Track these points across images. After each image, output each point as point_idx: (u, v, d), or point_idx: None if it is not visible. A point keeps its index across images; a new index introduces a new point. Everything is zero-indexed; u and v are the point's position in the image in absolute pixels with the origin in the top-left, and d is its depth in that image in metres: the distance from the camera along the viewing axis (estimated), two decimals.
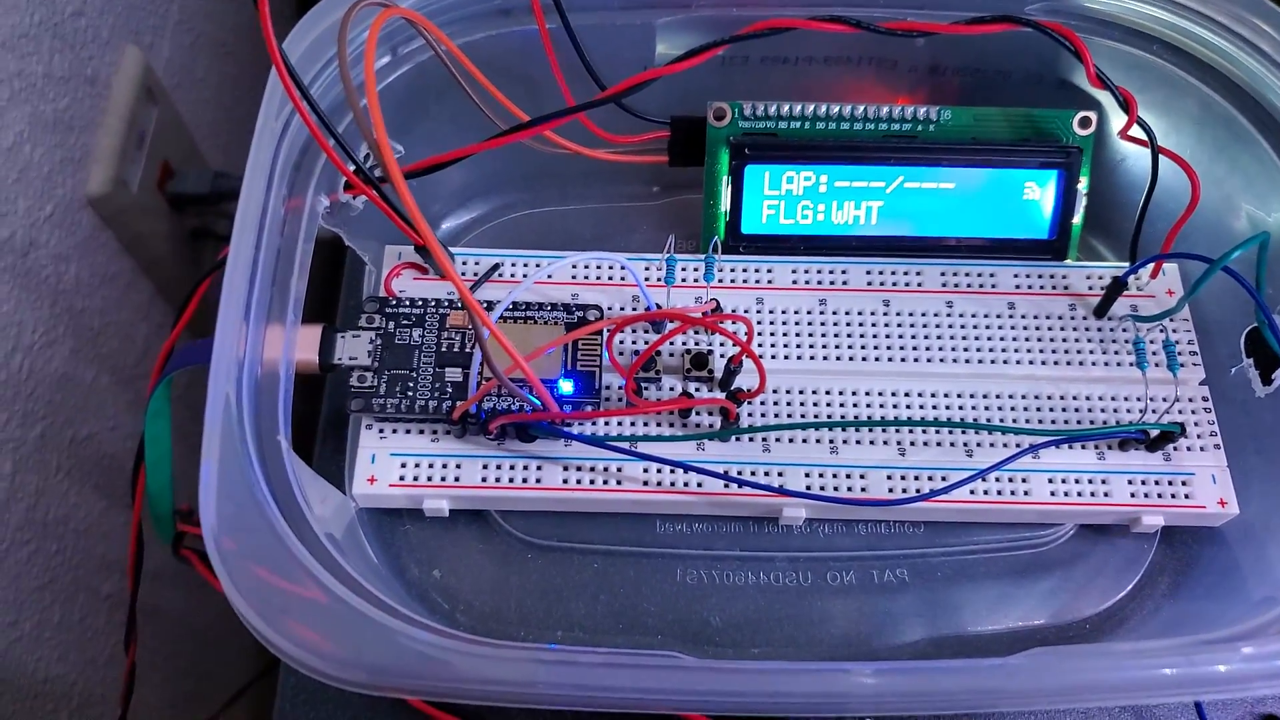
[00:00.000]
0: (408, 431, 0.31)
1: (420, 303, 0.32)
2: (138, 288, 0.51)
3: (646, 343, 0.32)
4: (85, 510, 0.46)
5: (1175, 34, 0.31)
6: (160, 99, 0.50)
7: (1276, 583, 0.27)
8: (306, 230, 0.29)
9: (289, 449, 0.26)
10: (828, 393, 0.32)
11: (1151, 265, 0.33)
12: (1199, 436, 0.31)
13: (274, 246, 0.28)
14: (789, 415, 0.31)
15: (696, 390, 0.31)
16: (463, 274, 0.33)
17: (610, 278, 0.33)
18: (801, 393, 0.32)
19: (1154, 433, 0.30)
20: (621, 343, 0.32)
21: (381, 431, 0.31)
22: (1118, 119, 0.32)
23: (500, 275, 0.33)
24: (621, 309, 0.33)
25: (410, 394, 0.30)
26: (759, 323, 0.33)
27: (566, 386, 0.30)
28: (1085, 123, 0.32)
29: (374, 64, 0.23)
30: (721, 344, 0.32)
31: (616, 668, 0.23)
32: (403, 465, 0.30)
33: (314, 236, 0.29)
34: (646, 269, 0.33)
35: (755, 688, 0.22)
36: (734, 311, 0.33)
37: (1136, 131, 0.31)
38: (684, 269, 0.33)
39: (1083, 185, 0.33)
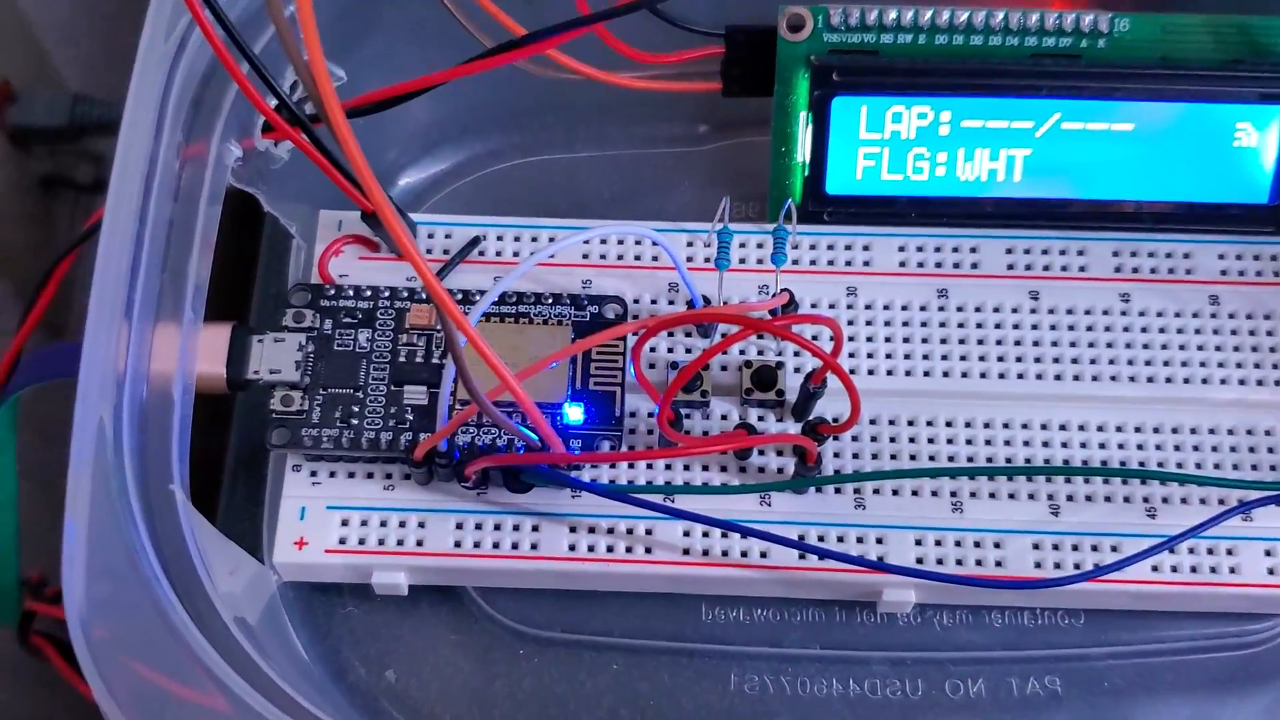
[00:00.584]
0: (351, 475, 0.32)
1: (369, 293, 0.33)
2: None
3: (689, 352, 0.33)
4: None
5: None
6: None
7: None
8: (210, 190, 0.30)
9: (185, 501, 0.27)
10: (948, 424, 0.33)
11: None
12: None
13: (165, 214, 0.29)
14: (892, 458, 0.32)
15: (760, 421, 0.32)
16: (428, 251, 0.34)
17: (638, 258, 0.34)
18: (911, 424, 0.33)
19: None
20: (653, 352, 0.33)
21: (315, 475, 0.32)
22: None
23: (481, 253, 0.34)
24: (653, 303, 0.34)
25: (355, 422, 0.31)
26: (850, 324, 0.34)
27: (575, 414, 0.32)
28: None
29: None
30: (796, 354, 0.33)
31: None
32: (344, 523, 0.31)
33: (220, 199, 0.31)
34: (689, 245, 0.34)
35: None
36: (814, 309, 0.34)
37: None
38: (743, 246, 0.34)
39: None
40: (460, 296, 0.33)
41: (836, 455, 0.32)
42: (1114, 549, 0.31)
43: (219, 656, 0.25)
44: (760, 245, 0.34)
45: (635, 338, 0.32)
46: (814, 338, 0.32)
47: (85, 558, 0.26)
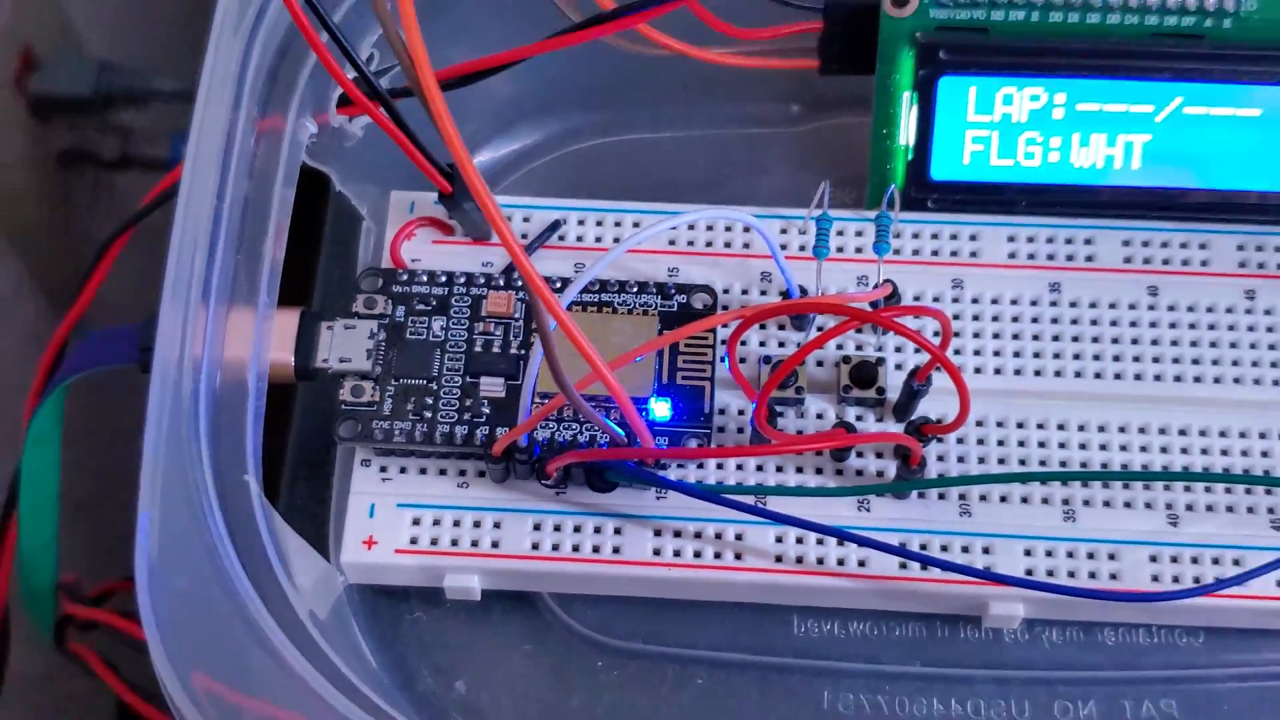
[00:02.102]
0: (423, 471, 0.33)
1: (443, 278, 0.34)
2: None
3: (782, 345, 0.34)
4: None
5: None
6: None
7: None
8: (286, 169, 0.31)
9: (260, 493, 0.29)
10: (1060, 428, 0.34)
11: None
12: None
13: (239, 193, 0.30)
14: (1000, 461, 0.33)
15: (859, 420, 0.34)
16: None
17: (728, 245, 0.35)
18: (1021, 427, 0.34)
19: None
20: (746, 345, 0.34)
21: (385, 470, 0.33)
22: None
23: (561, 238, 0.35)
24: (744, 293, 0.35)
25: (428, 415, 0.32)
26: (957, 318, 0.35)
27: (661, 410, 0.33)
28: None
29: None
30: (898, 350, 0.34)
31: None
32: (415, 522, 0.33)
33: (295, 178, 0.32)
34: (784, 232, 0.35)
35: None
36: (919, 302, 0.35)
37: None
38: (841, 234, 0.35)
39: None
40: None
41: (941, 458, 0.33)
42: (1236, 562, 0.32)
43: (302, 657, 0.27)
44: (860, 233, 0.36)
45: (728, 329, 0.33)
46: (918, 332, 0.33)
47: (159, 556, 0.27)
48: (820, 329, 0.34)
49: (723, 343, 0.33)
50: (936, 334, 0.32)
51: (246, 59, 0.31)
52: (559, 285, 0.33)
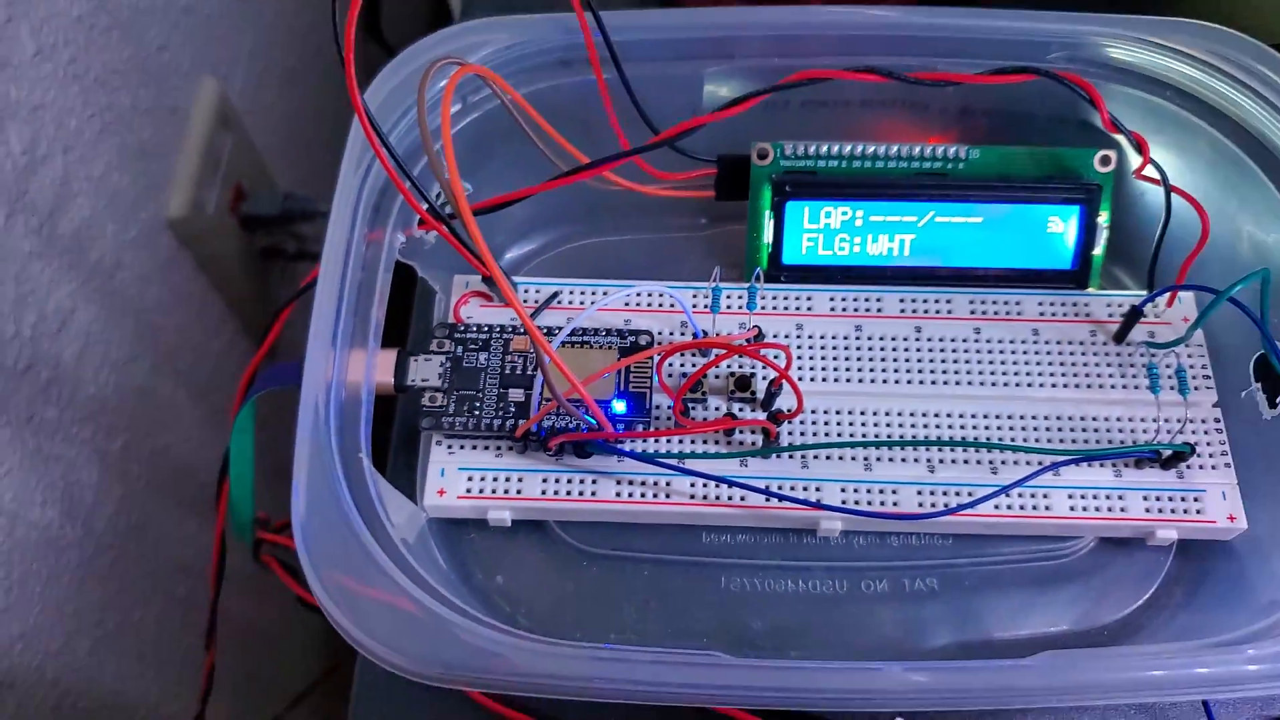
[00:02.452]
0: (474, 448, 0.32)
1: (486, 329, 0.33)
2: (211, 305, 0.54)
3: (694, 366, 0.33)
4: (162, 517, 0.49)
5: (1187, 81, 0.33)
6: (234, 125, 0.52)
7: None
8: (385, 263, 0.30)
9: (370, 466, 0.28)
10: (862, 413, 0.33)
11: (1168, 294, 0.34)
12: (1210, 456, 0.32)
13: (356, 278, 0.29)
14: (826, 434, 0.33)
15: (740, 411, 0.33)
16: (524, 301, 0.35)
17: (661, 305, 0.35)
18: (838, 413, 0.33)
19: (1166, 452, 0.31)
20: (670, 366, 0.34)
21: (450, 448, 0.32)
22: (1136, 158, 0.33)
23: (559, 302, 0.35)
24: (671, 334, 0.34)
25: (477, 413, 0.32)
26: (799, 347, 0.34)
27: (620, 406, 0.32)
28: (1105, 161, 0.34)
29: (450, 116, 0.25)
30: (764, 367, 0.33)
31: (663, 665, 0.25)
32: (469, 479, 0.32)
33: (392, 268, 0.31)
34: (695, 296, 0.35)
35: (789, 684, 0.24)
36: (775, 337, 0.34)
37: (1150, 171, 0.32)
38: (729, 297, 0.35)
39: (1104, 219, 0.34)
40: (545, 330, 0.33)
41: (789, 434, 0.33)
42: (970, 495, 0.31)
43: (394, 566, 0.26)
44: (740, 297, 0.35)
45: (659, 358, 0.32)
46: (775, 356, 0.33)
47: (306, 503, 0.27)
48: (714, 355, 0.34)
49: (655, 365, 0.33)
50: (778, 355, 0.31)
51: (359, 197, 0.30)
52: (557, 330, 0.33)
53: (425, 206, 0.30)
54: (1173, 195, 0.33)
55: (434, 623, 0.25)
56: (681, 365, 0.34)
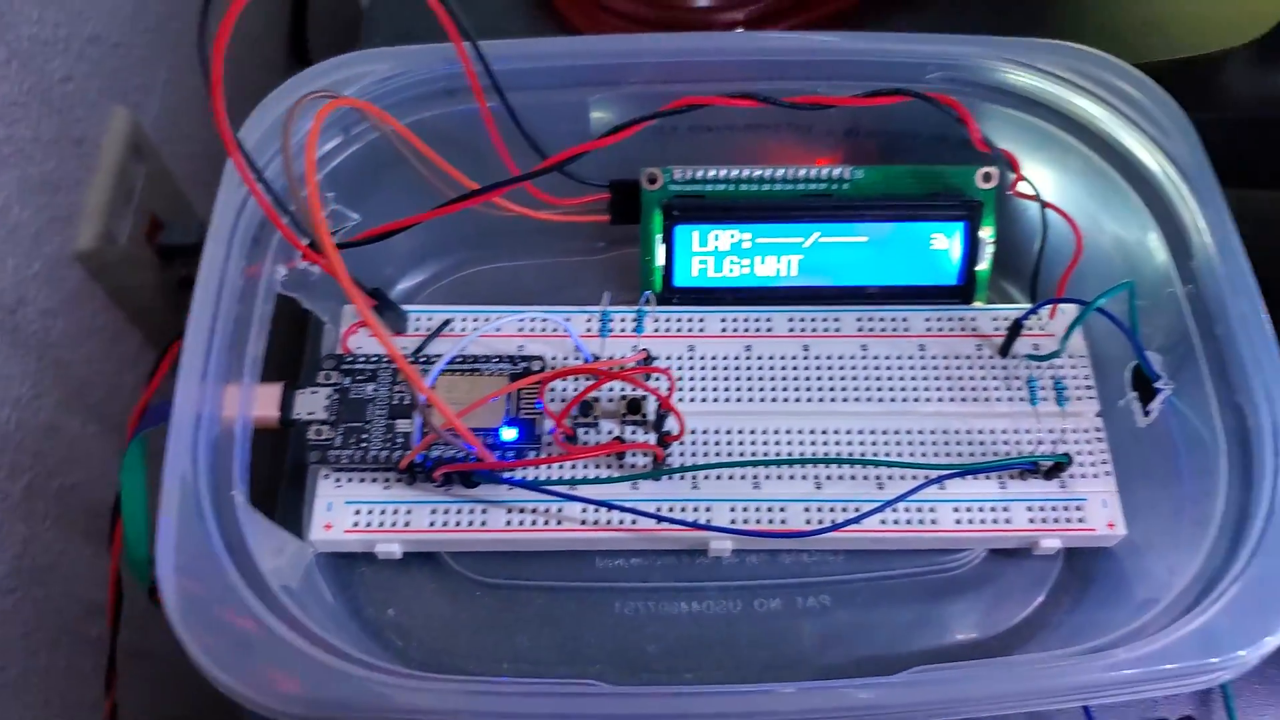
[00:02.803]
0: (362, 480, 0.32)
1: (375, 359, 0.33)
2: (126, 338, 0.53)
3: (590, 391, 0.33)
4: (72, 557, 0.47)
5: (1058, 100, 0.33)
6: (148, 155, 0.51)
7: (1156, 587, 0.29)
8: (264, 295, 0.30)
9: (244, 503, 0.28)
10: (752, 432, 0.33)
11: (1050, 307, 0.34)
12: (1093, 465, 0.32)
13: (231, 313, 0.29)
14: (717, 454, 0.33)
15: (634, 434, 0.33)
16: (416, 329, 0.35)
17: (555, 330, 0.35)
18: (728, 433, 0.33)
19: (1046, 464, 0.32)
20: (565, 390, 0.33)
21: (338, 481, 0.32)
22: None
23: (451, 330, 0.34)
24: (565, 359, 0.34)
25: (364, 445, 0.32)
26: (690, 368, 0.34)
27: (509, 434, 0.32)
28: (987, 178, 0.34)
29: (315, 156, 0.25)
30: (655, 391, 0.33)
31: (535, 696, 0.25)
32: (356, 512, 0.31)
33: (272, 300, 0.31)
34: (589, 321, 0.35)
35: (663, 710, 0.24)
36: (667, 359, 0.34)
37: (1025, 187, 0.33)
38: (621, 320, 0.35)
39: (988, 234, 0.35)
40: (435, 357, 0.33)
41: (681, 455, 0.33)
42: (856, 510, 0.31)
43: (261, 606, 0.25)
44: (632, 320, 0.35)
45: (541, 384, 0.32)
46: (656, 380, 0.33)
47: (174, 544, 0.26)
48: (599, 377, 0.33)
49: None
50: (668, 385, 0.31)
51: (234, 230, 0.30)
52: (429, 359, 0.33)
53: (306, 241, 0.30)
54: (1049, 211, 0.33)
55: (300, 661, 0.25)
56: (576, 389, 0.34)
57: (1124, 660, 0.25)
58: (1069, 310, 0.35)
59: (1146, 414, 0.32)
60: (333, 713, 0.24)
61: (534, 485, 0.31)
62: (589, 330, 0.35)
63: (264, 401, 0.31)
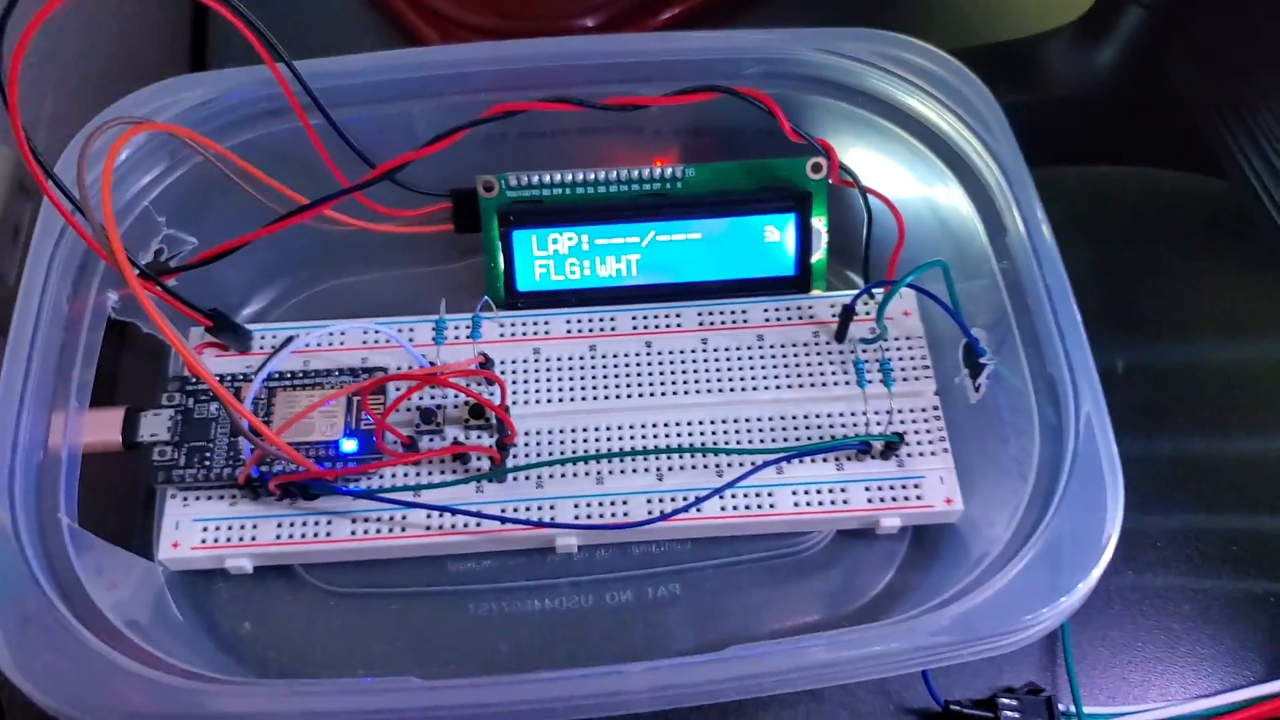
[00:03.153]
0: (209, 498, 0.32)
1: (218, 379, 0.33)
2: None
3: (432, 400, 0.34)
4: None
5: (874, 87, 0.34)
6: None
7: (987, 544, 0.30)
8: (91, 322, 0.30)
9: (71, 525, 0.28)
10: (596, 430, 0.33)
11: (883, 289, 0.35)
12: (930, 443, 0.33)
13: (55, 340, 0.29)
14: (562, 453, 0.33)
15: (479, 438, 0.33)
16: (261, 347, 0.35)
17: (388, 341, 0.35)
18: (574, 431, 0.33)
19: (879, 444, 0.32)
20: (410, 401, 0.34)
21: (185, 500, 0.32)
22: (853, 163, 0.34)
23: (297, 345, 0.34)
24: (410, 368, 0.34)
25: (208, 463, 0.32)
26: (535, 371, 0.34)
27: (349, 445, 0.32)
28: (817, 168, 0.35)
29: (109, 183, 0.26)
30: (497, 394, 0.34)
31: (350, 694, 0.25)
32: (204, 529, 0.32)
33: (101, 328, 0.31)
34: (433, 331, 0.35)
35: (460, 701, 0.24)
36: (513, 363, 0.34)
37: (847, 175, 0.34)
38: (468, 327, 0.35)
39: (821, 224, 0.35)
40: (279, 375, 0.33)
41: (526, 456, 0.33)
42: (697, 499, 0.32)
43: (75, 620, 0.26)
44: (469, 326, 0.35)
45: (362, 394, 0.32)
46: (488, 386, 0.33)
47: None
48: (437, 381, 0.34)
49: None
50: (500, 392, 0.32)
51: (52, 260, 0.30)
52: (286, 375, 0.33)
53: (135, 271, 0.30)
54: (871, 197, 0.34)
55: (126, 681, 0.25)
56: (421, 399, 0.34)
57: (926, 626, 0.26)
58: (907, 294, 0.36)
59: (976, 389, 0.33)
60: None
61: (371, 494, 0.31)
62: (431, 340, 0.35)
63: (103, 425, 0.31)
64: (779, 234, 0.35)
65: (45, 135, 0.53)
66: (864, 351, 0.34)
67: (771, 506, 0.32)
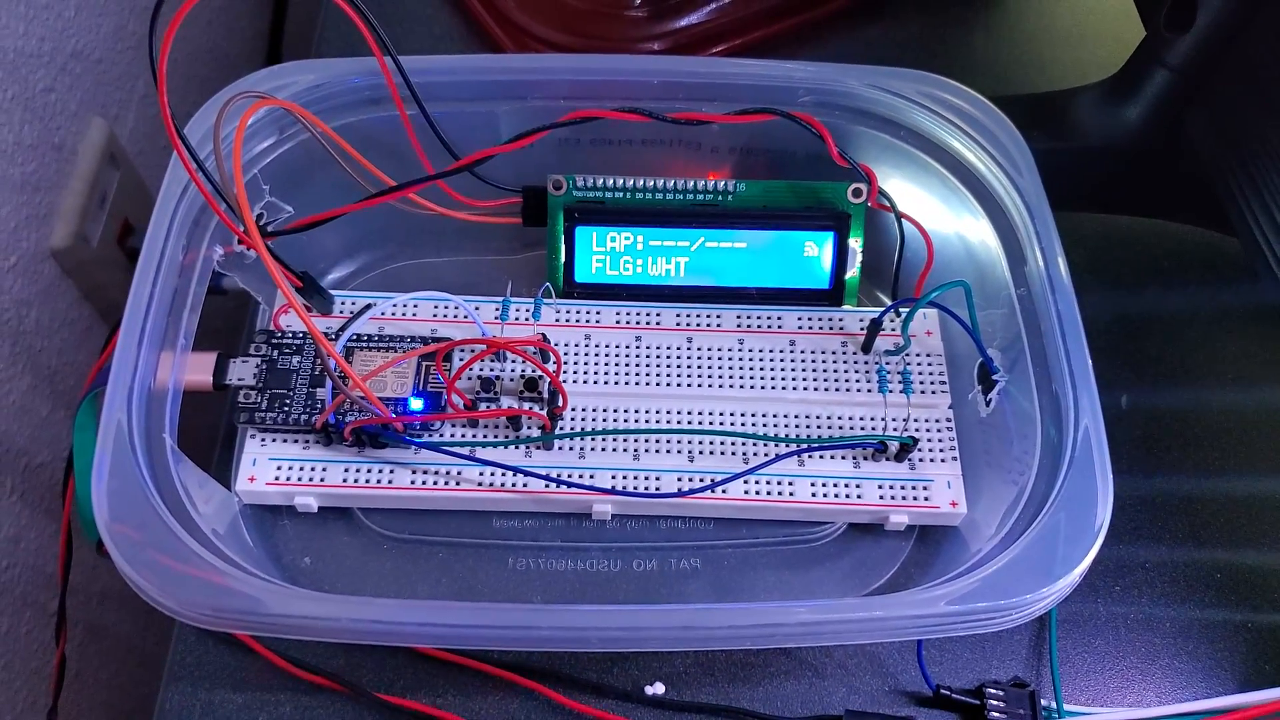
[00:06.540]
0: (284, 440, 0.35)
1: (301, 335, 0.36)
2: (96, 332, 0.56)
3: (490, 370, 0.37)
4: (36, 531, 0.50)
5: (915, 122, 0.37)
6: (123, 164, 0.55)
7: (987, 543, 0.32)
8: (200, 274, 0.34)
9: (173, 445, 0.31)
10: (637, 411, 0.36)
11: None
12: (941, 451, 0.36)
13: (170, 287, 0.33)
14: (602, 426, 0.36)
15: (532, 408, 0.36)
16: (341, 311, 0.38)
17: (466, 316, 0.38)
18: (616, 411, 0.36)
19: (894, 445, 0.35)
20: (472, 372, 0.37)
21: (263, 440, 0.35)
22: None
23: (373, 313, 0.38)
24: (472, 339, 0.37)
25: (286, 409, 0.35)
26: (586, 354, 0.37)
27: (416, 404, 0.35)
28: (857, 193, 0.38)
29: (240, 149, 0.29)
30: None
31: (402, 607, 0.28)
32: (278, 468, 0.35)
33: (208, 279, 0.34)
34: (496, 310, 0.38)
35: (489, 621, 0.28)
36: (566, 345, 0.37)
37: (885, 200, 0.37)
38: (523, 310, 0.38)
39: (857, 244, 0.38)
40: (356, 336, 0.37)
41: (572, 424, 0.36)
42: (724, 481, 0.34)
43: (177, 524, 0.29)
44: (531, 309, 0.38)
45: (437, 356, 0.35)
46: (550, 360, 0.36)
47: (107, 486, 0.29)
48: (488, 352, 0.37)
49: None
50: (556, 362, 0.34)
51: (174, 214, 0.33)
52: (361, 337, 0.36)
53: (242, 228, 0.33)
54: (905, 222, 0.37)
55: (206, 572, 0.28)
56: (481, 370, 0.37)
57: (924, 598, 0.29)
58: (931, 314, 0.39)
59: (987, 404, 0.35)
60: (230, 616, 0.28)
61: (435, 446, 0.34)
62: (495, 318, 0.38)
63: (198, 367, 0.35)
64: (818, 250, 0.38)
65: (135, 113, 0.58)
66: (887, 363, 0.37)
67: (791, 495, 0.35)
